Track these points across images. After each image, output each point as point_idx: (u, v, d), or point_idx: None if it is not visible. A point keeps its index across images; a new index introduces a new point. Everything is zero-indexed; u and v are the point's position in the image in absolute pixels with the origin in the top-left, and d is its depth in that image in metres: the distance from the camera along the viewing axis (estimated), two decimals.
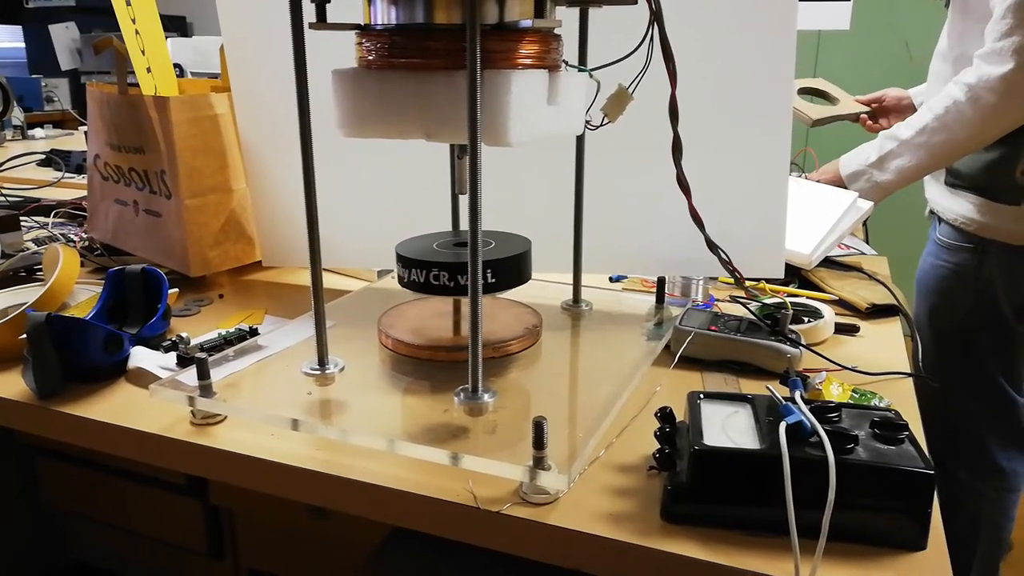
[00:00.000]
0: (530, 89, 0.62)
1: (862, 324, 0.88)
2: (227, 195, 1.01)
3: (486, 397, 0.61)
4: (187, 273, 0.99)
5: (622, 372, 0.70)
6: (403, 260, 0.71)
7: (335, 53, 0.68)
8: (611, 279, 1.03)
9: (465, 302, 0.82)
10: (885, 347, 0.83)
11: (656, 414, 0.58)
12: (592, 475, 0.58)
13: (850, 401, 0.67)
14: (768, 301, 0.89)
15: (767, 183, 0.86)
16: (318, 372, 0.67)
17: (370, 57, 0.64)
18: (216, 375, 0.68)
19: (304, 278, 1.06)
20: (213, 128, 0.98)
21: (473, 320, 0.60)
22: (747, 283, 0.97)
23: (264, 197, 1.01)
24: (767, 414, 0.55)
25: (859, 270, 1.02)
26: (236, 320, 0.89)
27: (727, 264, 0.81)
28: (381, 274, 1.01)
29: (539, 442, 0.54)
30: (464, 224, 0.86)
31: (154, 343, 0.79)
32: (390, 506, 0.58)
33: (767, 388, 0.57)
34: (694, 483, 0.51)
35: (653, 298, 0.91)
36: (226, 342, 0.78)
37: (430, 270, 0.68)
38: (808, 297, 0.90)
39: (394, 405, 0.67)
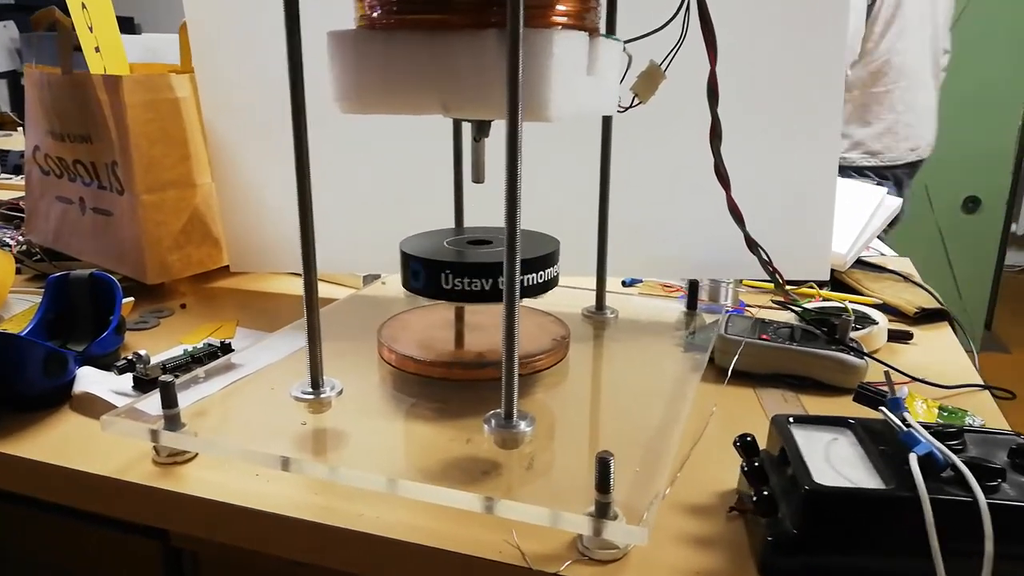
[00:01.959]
0: (571, 53, 0.51)
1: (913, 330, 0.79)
2: (189, 191, 0.88)
3: (523, 425, 0.50)
4: (143, 280, 0.85)
5: (670, 390, 0.60)
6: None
7: (323, 15, 0.57)
8: (624, 283, 0.93)
9: (471, 311, 0.70)
10: (943, 355, 0.74)
11: (736, 443, 0.48)
12: (660, 520, 0.47)
13: (940, 420, 0.58)
14: (810, 306, 0.79)
15: (814, 176, 0.77)
16: (311, 396, 0.55)
17: (374, 15, 0.53)
18: (184, 400, 0.55)
19: (278, 285, 0.94)
20: (173, 113, 0.85)
21: (508, 331, 0.49)
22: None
23: (232, 193, 0.88)
24: (875, 442, 0.45)
25: (893, 272, 0.94)
26: (203, 334, 0.76)
27: (767, 265, 0.71)
28: (368, 280, 0.90)
29: (604, 484, 0.43)
30: (469, 220, 0.75)
31: (105, 363, 0.66)
32: (410, 565, 0.46)
33: (881, 411, 0.47)
34: (805, 532, 0.41)
35: (680, 304, 0.81)
36: (194, 360, 0.66)
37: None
38: (851, 301, 0.81)
39: (406, 435, 0.56)
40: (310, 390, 0.55)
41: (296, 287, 0.93)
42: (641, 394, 0.60)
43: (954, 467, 0.41)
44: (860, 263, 0.95)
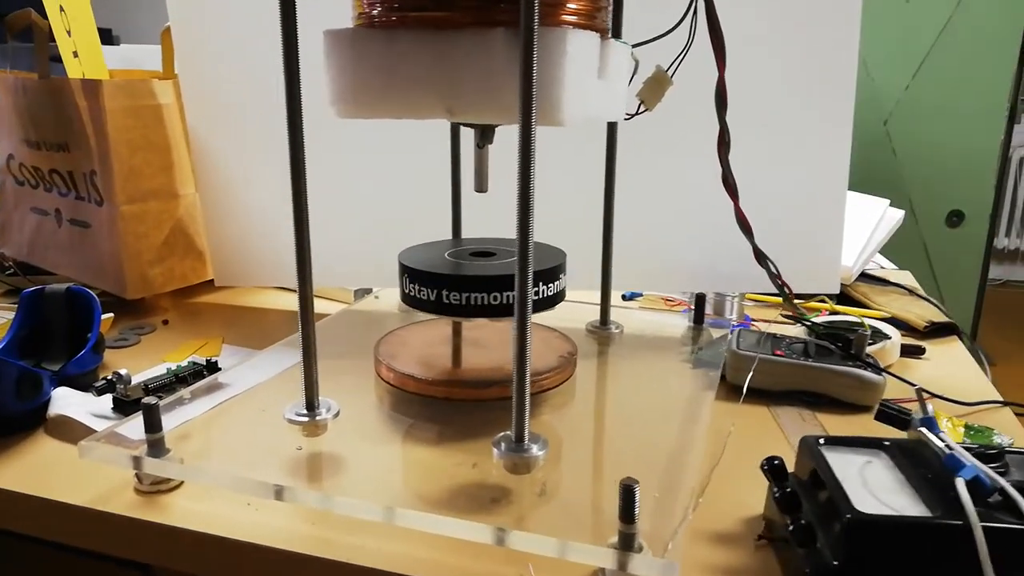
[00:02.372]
0: (584, 53, 0.49)
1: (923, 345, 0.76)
2: (172, 201, 0.84)
3: (534, 449, 0.47)
4: (123, 295, 0.82)
5: (684, 409, 0.57)
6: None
7: (317, 14, 0.53)
8: (624, 297, 0.91)
9: (471, 326, 0.67)
10: (957, 371, 0.72)
11: (764, 467, 0.45)
12: (684, 550, 0.44)
13: (967, 440, 0.55)
14: (818, 320, 0.77)
15: (823, 187, 0.74)
16: (306, 418, 0.51)
17: (374, 13, 0.50)
18: (168, 423, 0.52)
19: (266, 300, 0.90)
20: (155, 120, 0.81)
21: (520, 348, 0.46)
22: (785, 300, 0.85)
23: (217, 203, 0.85)
24: (913, 464, 0.43)
25: (898, 285, 0.92)
26: (187, 351, 0.72)
27: (776, 278, 0.69)
28: (359, 294, 0.86)
29: (628, 513, 0.40)
30: (467, 232, 0.72)
31: (83, 383, 0.62)
32: None
33: (919, 432, 0.44)
34: (847, 564, 0.38)
35: (684, 318, 0.78)
36: (178, 380, 0.62)
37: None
38: (859, 315, 0.79)
39: (408, 460, 0.52)
40: (304, 412, 0.52)
41: (284, 302, 0.89)
42: (654, 414, 0.57)
43: (1002, 491, 0.38)
44: (864, 276, 0.93)
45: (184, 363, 0.65)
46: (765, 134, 0.74)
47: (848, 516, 0.38)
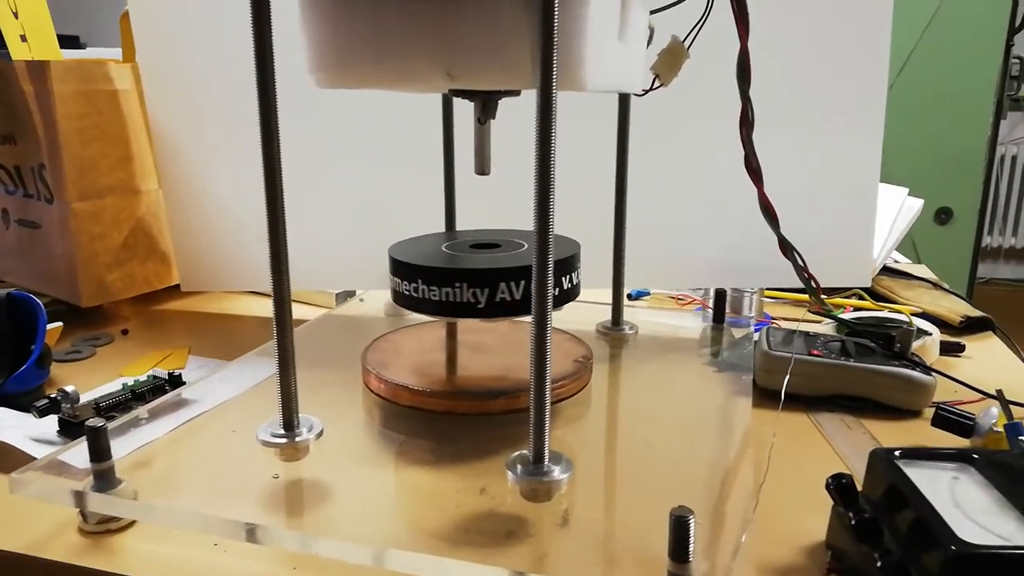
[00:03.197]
0: (606, 8, 0.42)
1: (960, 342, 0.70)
2: (132, 198, 0.76)
3: (556, 471, 0.39)
4: (77, 303, 0.73)
5: (718, 419, 0.50)
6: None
7: None
8: (629, 296, 0.84)
9: (472, 329, 0.60)
10: (999, 368, 0.66)
11: (829, 485, 0.38)
12: None
13: None
14: (845, 317, 0.70)
15: (855, 170, 0.68)
16: (284, 440, 0.43)
17: None
18: (121, 449, 0.44)
19: (237, 306, 0.82)
20: (112, 108, 0.73)
21: (539, 353, 0.38)
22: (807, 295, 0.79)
23: (183, 201, 0.76)
24: (1010, 480, 0.36)
25: (923, 279, 0.86)
26: (148, 364, 0.64)
27: (802, 270, 0.62)
28: (341, 297, 0.78)
29: (682, 550, 0.32)
30: (462, 224, 0.64)
31: (24, 402, 0.54)
32: None
33: (1021, 442, 0.37)
34: None
35: (698, 317, 0.71)
36: (135, 397, 0.54)
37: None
38: (890, 310, 0.73)
39: (404, 487, 0.45)
40: (282, 432, 0.44)
41: (258, 308, 0.81)
42: (686, 425, 0.50)
43: None
44: (886, 270, 0.87)
45: (143, 377, 0.57)
46: (791, 113, 0.67)
47: (953, 548, 0.31)
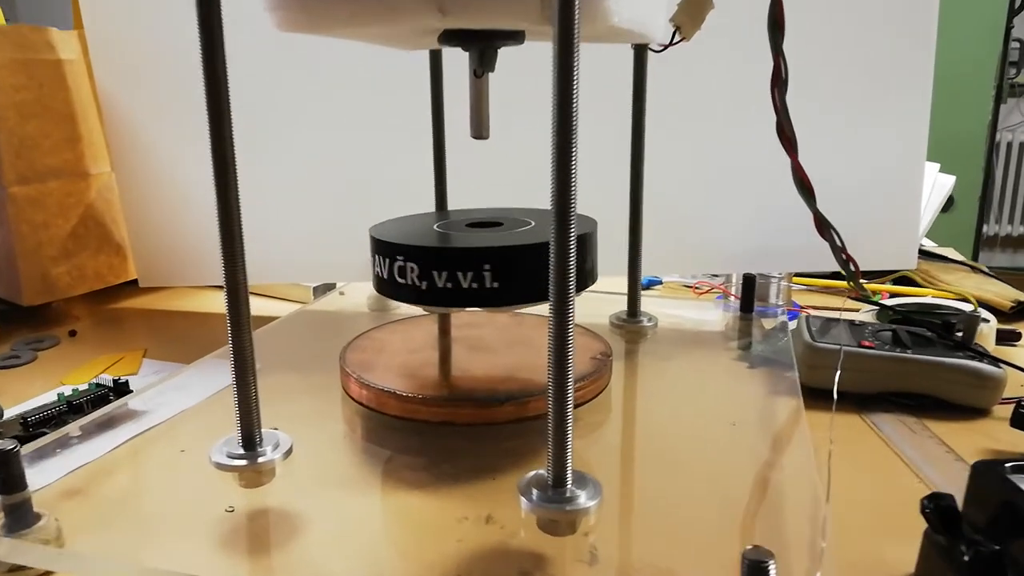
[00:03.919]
0: None
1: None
2: (81, 182, 0.67)
3: (582, 497, 0.31)
4: (18, 301, 0.65)
5: (762, 424, 0.43)
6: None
7: None
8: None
9: (468, 324, 0.52)
10: None
11: (926, 508, 0.30)
12: None
13: None
14: (887, 303, 0.63)
15: (900, 141, 0.60)
16: (243, 462, 0.35)
17: None
18: (46, 475, 0.36)
19: (202, 303, 0.74)
20: (55, 80, 0.65)
21: (559, 344, 0.30)
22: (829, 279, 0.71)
23: (139, 185, 0.68)
24: None
25: (961, 263, 0.78)
26: (96, 370, 0.56)
27: (841, 251, 0.55)
28: (320, 291, 0.70)
29: None
30: (455, 205, 0.56)
31: None
32: None
33: None
34: None
35: (719, 307, 0.64)
36: (71, 409, 0.46)
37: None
38: (934, 296, 0.65)
39: (392, 515, 0.36)
40: (241, 451, 0.36)
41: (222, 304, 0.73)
42: (727, 434, 0.42)
43: None
44: (922, 253, 0.79)
45: (85, 385, 0.49)
46: (826, 80, 0.60)
47: None
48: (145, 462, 0.40)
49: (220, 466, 0.35)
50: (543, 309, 0.46)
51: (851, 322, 0.54)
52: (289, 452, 0.36)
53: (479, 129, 0.42)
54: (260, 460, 0.35)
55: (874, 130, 0.60)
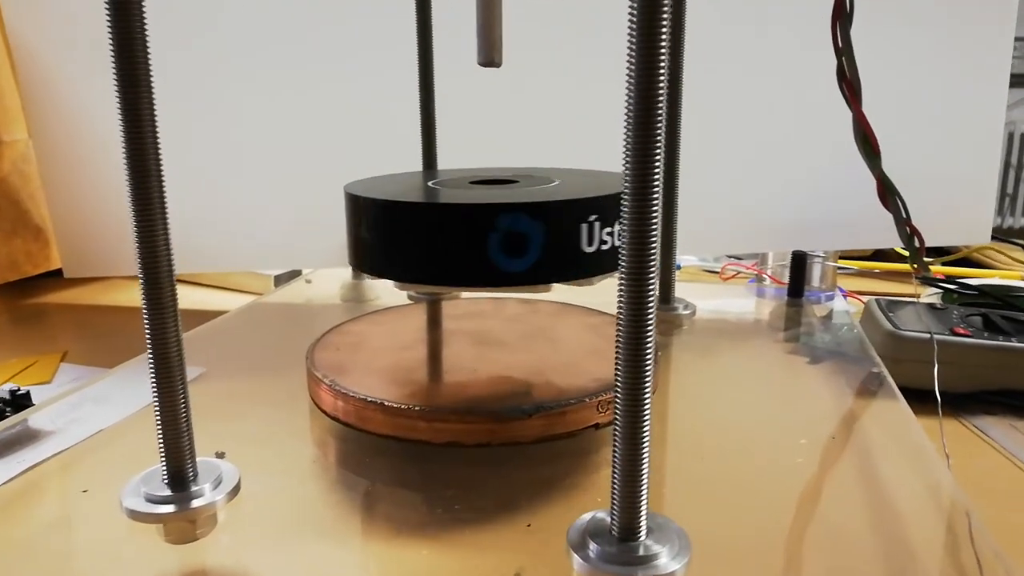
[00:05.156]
0: None
1: None
2: None
3: (663, 556, 0.22)
4: None
5: (864, 436, 0.33)
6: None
7: None
8: None
9: (461, 313, 0.42)
10: None
11: None
12: None
13: None
14: (950, 286, 0.54)
15: (975, 98, 0.51)
16: (170, 507, 0.25)
17: None
18: None
19: (136, 297, 0.62)
20: None
21: (636, 340, 0.21)
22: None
23: (63, 157, 0.57)
24: None
25: (1012, 241, 0.70)
26: (1, 377, 0.45)
27: (905, 223, 0.46)
28: (283, 280, 0.59)
29: None
30: (445, 163, 0.46)
31: None
32: None
33: None
34: None
35: (752, 291, 0.55)
36: None
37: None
38: (1000, 277, 0.57)
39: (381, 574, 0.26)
40: (167, 492, 0.25)
41: None
42: (830, 450, 0.32)
43: None
44: None
45: None
46: (895, 21, 0.50)
47: None
48: (29, 509, 0.29)
49: (135, 514, 0.25)
50: (562, 294, 0.36)
51: (930, 305, 0.45)
52: (236, 490, 0.26)
53: (489, 52, 0.32)
54: (194, 503, 0.25)
55: (948, 80, 0.51)
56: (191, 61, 0.54)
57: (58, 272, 0.59)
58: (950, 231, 0.53)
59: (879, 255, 0.69)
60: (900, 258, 0.68)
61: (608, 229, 0.30)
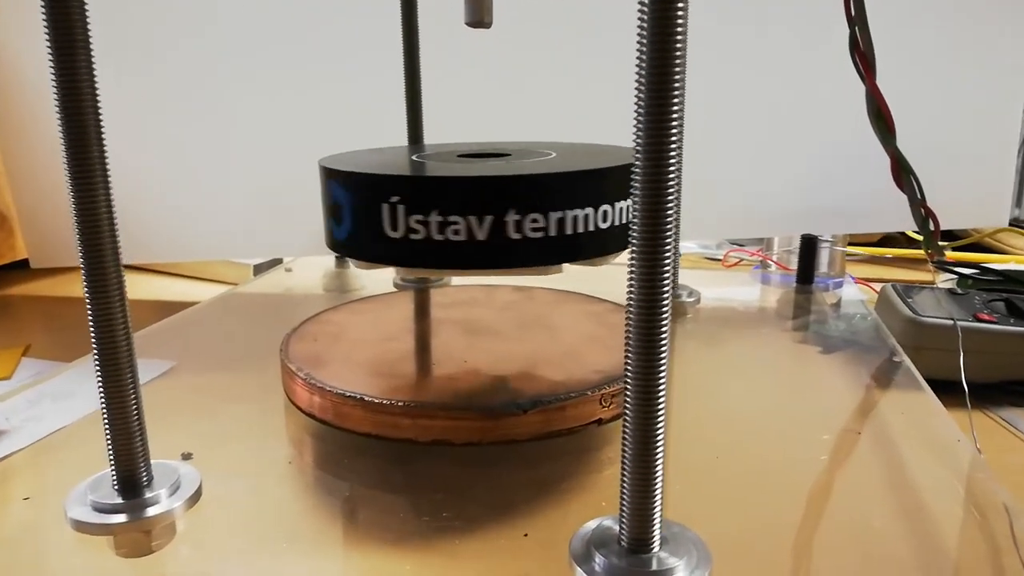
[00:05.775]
0: None
1: None
2: None
3: (681, 569, 0.19)
4: None
5: (892, 431, 0.30)
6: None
7: None
8: None
9: (449, 301, 0.39)
10: None
11: None
12: None
13: None
14: (965, 270, 0.51)
15: (993, 76, 0.49)
16: (121, 517, 0.22)
17: None
18: None
19: None
20: None
21: (649, 328, 0.18)
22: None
23: (28, 141, 0.54)
24: None
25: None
26: None
27: (920, 205, 0.43)
28: (263, 270, 0.56)
29: None
30: (434, 137, 0.43)
31: None
32: None
33: None
34: None
35: (756, 278, 0.52)
36: None
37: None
38: (1016, 262, 0.54)
39: None
40: (117, 500, 0.22)
41: (141, 289, 0.58)
42: (856, 447, 0.29)
43: None
44: None
45: None
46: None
47: None
48: None
49: (80, 525, 0.22)
50: (557, 281, 0.33)
51: (949, 291, 0.42)
52: (197, 496, 0.23)
53: (479, 11, 0.29)
54: (148, 511, 0.22)
55: (965, 54, 0.48)
56: (177, 54, 0.52)
57: (24, 263, 0.56)
58: (966, 214, 0.51)
59: (886, 241, 0.66)
60: (910, 244, 0.65)
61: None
